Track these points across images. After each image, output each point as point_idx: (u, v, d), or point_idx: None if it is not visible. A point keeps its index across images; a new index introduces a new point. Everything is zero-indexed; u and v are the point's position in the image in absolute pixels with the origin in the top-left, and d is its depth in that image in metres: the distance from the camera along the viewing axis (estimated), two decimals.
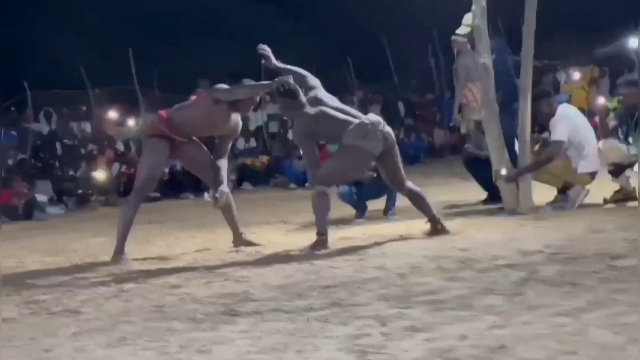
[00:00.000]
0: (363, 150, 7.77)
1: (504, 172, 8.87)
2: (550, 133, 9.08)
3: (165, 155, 8.25)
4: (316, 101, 7.97)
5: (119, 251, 8.09)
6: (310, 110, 7.89)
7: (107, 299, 6.21)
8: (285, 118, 19.64)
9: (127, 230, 8.17)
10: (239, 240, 8.47)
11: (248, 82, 8.18)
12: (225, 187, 8.36)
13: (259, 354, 4.30)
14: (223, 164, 8.39)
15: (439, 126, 21.49)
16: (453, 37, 13.16)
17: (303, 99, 7.90)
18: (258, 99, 8.38)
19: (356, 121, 7.84)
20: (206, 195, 14.98)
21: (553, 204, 9.01)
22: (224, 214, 8.54)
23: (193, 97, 8.87)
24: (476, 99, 12.59)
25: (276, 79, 7.89)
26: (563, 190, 9.10)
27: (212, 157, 8.39)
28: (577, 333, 4.14)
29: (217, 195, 8.29)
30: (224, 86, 8.18)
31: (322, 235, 7.78)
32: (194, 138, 8.39)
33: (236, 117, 8.32)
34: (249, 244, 8.41)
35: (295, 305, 5.36)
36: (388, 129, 7.93)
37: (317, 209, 7.84)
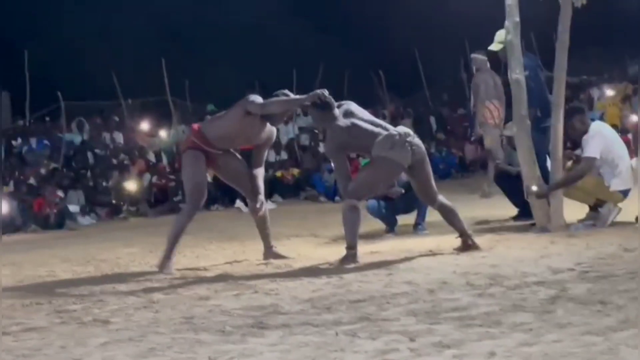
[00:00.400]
0: (392, 161, 7.77)
1: (535, 188, 8.83)
2: (582, 150, 9.03)
3: (203, 165, 8.27)
4: (347, 114, 7.99)
5: (167, 259, 8.11)
6: (342, 122, 7.92)
7: (136, 310, 6.24)
8: (316, 131, 19.74)
9: (177, 240, 8.20)
10: (270, 253, 8.49)
11: (283, 94, 8.19)
12: (263, 197, 8.44)
13: None
14: (260, 172, 8.48)
15: (470, 141, 21.43)
16: (473, 55, 13.47)
17: (336, 111, 7.94)
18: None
19: (385, 133, 7.86)
20: (239, 204, 15.07)
21: (584, 221, 8.95)
22: (257, 225, 8.57)
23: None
24: (494, 117, 12.70)
25: (310, 93, 7.93)
26: (595, 208, 9.04)
27: (247, 167, 8.45)
28: (607, 352, 4.11)
29: (257, 205, 8.34)
30: (258, 98, 8.20)
31: (352, 249, 7.79)
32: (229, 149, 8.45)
33: (270, 127, 8.36)
34: (279, 256, 8.43)
35: (324, 319, 5.36)
36: (417, 141, 7.93)
37: (348, 223, 7.85)
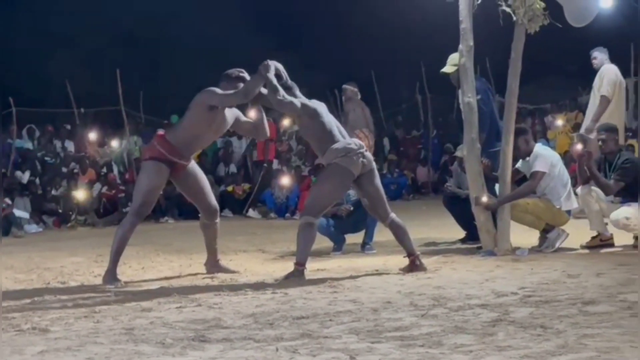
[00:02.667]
0: (342, 168, 7.82)
1: (484, 199, 8.90)
2: (526, 168, 9.20)
3: (164, 179, 8.17)
4: (316, 113, 8.05)
5: (111, 272, 8.02)
6: (311, 113, 8.02)
7: (77, 319, 6.16)
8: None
9: (121, 252, 8.11)
10: (215, 266, 8.45)
11: (238, 73, 8.15)
12: (217, 213, 8.53)
13: None
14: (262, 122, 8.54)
15: (422, 163, 21.55)
16: (344, 86, 14.25)
17: (298, 92, 8.08)
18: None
19: (343, 140, 7.94)
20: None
21: (540, 246, 9.06)
22: (206, 238, 8.52)
23: None
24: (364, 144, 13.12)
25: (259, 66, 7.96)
26: (542, 232, 9.15)
27: (207, 182, 8.49)
28: None
29: (212, 221, 8.45)
30: (216, 90, 8.09)
31: (301, 265, 7.78)
32: (193, 160, 8.38)
33: (230, 110, 8.31)
34: (225, 270, 8.39)
35: (265, 334, 5.34)
36: (369, 155, 8.03)
37: (301, 240, 7.86)
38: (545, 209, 9.05)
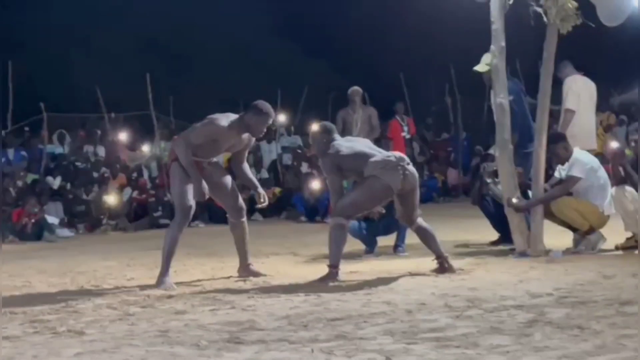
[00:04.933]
0: (382, 182, 7.75)
1: (515, 200, 8.86)
2: (563, 173, 9.15)
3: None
4: (349, 140, 8.09)
5: (164, 274, 8.03)
6: (341, 146, 8.00)
7: (112, 322, 6.18)
8: (299, 150, 19.76)
9: (171, 256, 8.11)
10: (246, 270, 8.44)
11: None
12: (244, 213, 8.48)
13: None
14: (247, 168, 8.61)
15: (453, 166, 21.48)
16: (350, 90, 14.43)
17: (336, 135, 8.15)
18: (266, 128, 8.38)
19: (380, 154, 7.90)
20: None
21: (576, 248, 9.01)
22: (236, 242, 8.53)
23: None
24: None
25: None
26: (584, 233, 9.10)
27: (233, 182, 8.49)
28: None
29: (261, 199, 8.37)
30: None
31: (334, 267, 7.77)
32: (215, 160, 8.41)
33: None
34: (256, 274, 8.38)
35: (300, 336, 5.33)
36: (412, 168, 7.95)
37: (333, 241, 7.84)
38: (591, 210, 9.03)
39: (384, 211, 9.63)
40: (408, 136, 18.98)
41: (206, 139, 8.12)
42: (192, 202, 8.12)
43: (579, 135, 10.48)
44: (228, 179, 8.47)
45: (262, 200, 8.41)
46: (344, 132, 13.22)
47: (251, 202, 17.15)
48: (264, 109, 8.17)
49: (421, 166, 20.57)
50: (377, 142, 13.23)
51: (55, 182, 17.66)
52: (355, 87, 15.02)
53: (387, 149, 10.96)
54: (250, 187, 8.77)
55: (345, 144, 8.10)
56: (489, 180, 10.01)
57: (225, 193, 8.44)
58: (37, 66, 24.32)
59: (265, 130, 8.40)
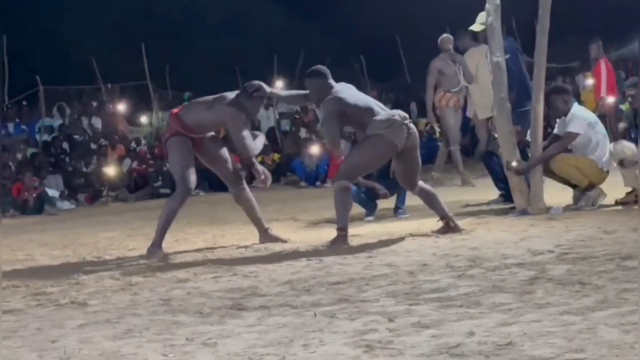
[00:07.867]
0: (386, 139, 7.68)
1: (514, 163, 8.85)
2: (560, 128, 9.11)
3: (190, 149, 8.14)
4: (349, 88, 7.99)
5: (156, 244, 8.00)
6: (344, 94, 7.86)
7: (114, 292, 6.20)
8: (297, 116, 19.72)
9: (168, 225, 8.07)
10: (266, 236, 8.37)
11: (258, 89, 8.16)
12: (244, 182, 8.46)
13: (265, 348, 4.27)
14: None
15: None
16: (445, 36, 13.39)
17: (332, 81, 7.91)
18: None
19: (385, 112, 7.84)
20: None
21: (576, 204, 9.00)
22: (246, 211, 8.48)
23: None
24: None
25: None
26: (583, 189, 9.09)
27: (229, 153, 8.45)
28: (586, 331, 4.10)
29: (262, 177, 8.32)
30: (242, 125, 8.09)
31: (343, 230, 7.73)
32: (212, 133, 8.40)
33: None
34: (275, 239, 8.31)
35: (302, 301, 5.34)
36: (414, 127, 7.89)
37: (339, 204, 7.79)
38: (590, 166, 8.99)
39: (389, 195, 9.61)
40: None
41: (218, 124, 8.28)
42: (193, 182, 8.11)
43: (480, 104, 10.68)
44: (224, 151, 8.43)
45: (262, 177, 8.37)
46: (441, 85, 13.01)
47: (250, 169, 17.24)
48: (255, 92, 8.07)
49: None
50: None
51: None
52: (445, 35, 13.57)
53: None
54: (229, 181, 8.52)
55: (348, 92, 7.92)
56: (496, 136, 9.98)
57: (223, 165, 8.39)
58: (31, 39, 24.24)
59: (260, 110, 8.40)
